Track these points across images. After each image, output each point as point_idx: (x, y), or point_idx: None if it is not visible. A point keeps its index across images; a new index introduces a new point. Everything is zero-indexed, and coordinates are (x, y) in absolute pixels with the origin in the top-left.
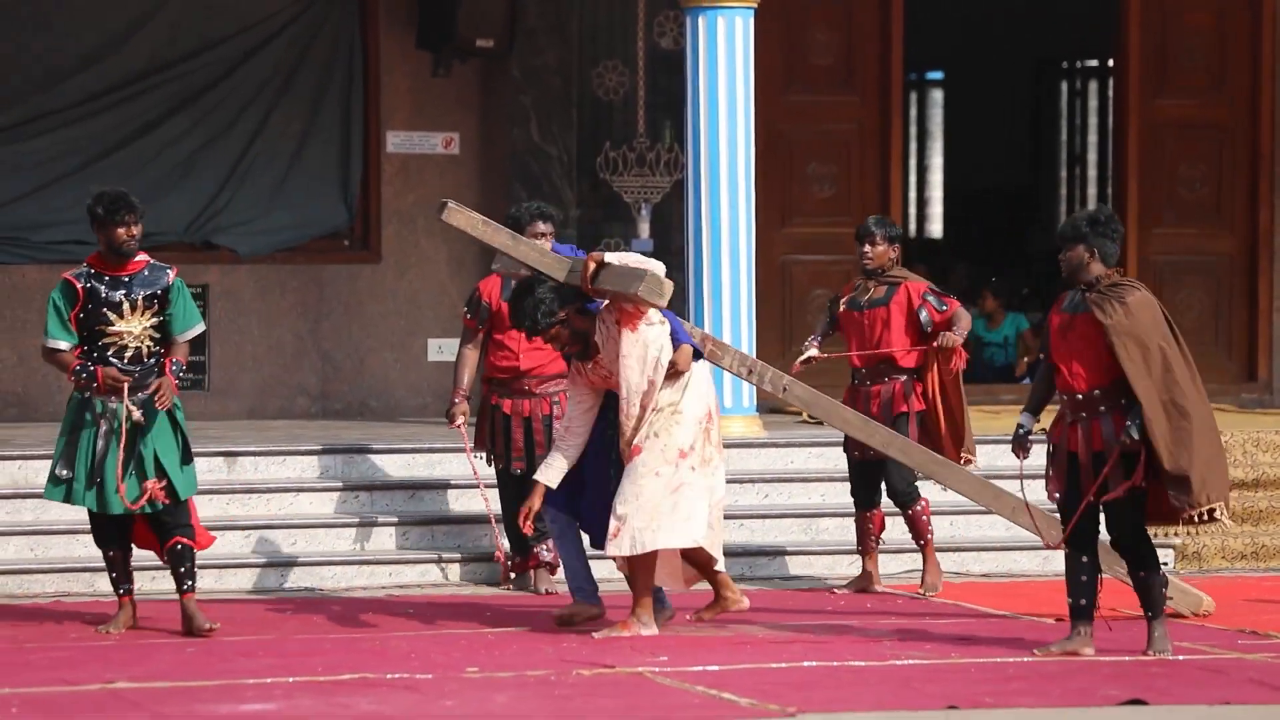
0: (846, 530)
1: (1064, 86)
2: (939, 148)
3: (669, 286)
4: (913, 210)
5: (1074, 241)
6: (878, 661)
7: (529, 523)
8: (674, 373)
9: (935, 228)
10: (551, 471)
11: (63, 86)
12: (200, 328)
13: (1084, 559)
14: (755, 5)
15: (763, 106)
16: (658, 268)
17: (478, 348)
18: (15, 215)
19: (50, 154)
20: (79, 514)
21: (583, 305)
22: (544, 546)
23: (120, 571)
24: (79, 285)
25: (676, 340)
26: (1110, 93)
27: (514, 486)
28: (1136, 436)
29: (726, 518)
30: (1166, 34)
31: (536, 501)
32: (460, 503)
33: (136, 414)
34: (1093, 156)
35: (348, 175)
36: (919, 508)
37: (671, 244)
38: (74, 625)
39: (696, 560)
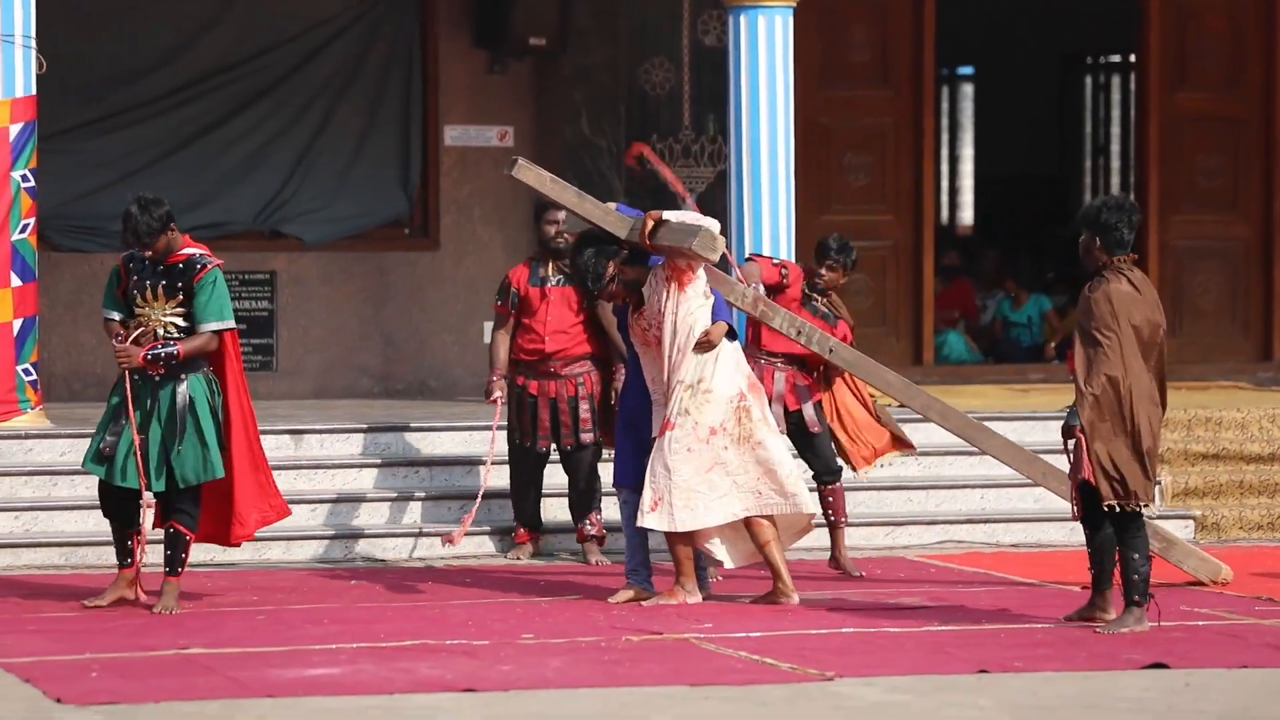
0: (882, 503)
1: (1088, 81)
2: (969, 139)
3: (721, 242)
4: (945, 199)
5: (1083, 227)
6: (912, 628)
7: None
8: (704, 343)
9: (966, 215)
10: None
11: (139, 84)
12: (223, 325)
13: (1092, 533)
14: (795, 4)
15: (802, 100)
16: (712, 225)
17: (509, 332)
18: (95, 206)
19: (128, 148)
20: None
21: (633, 257)
22: (589, 521)
23: (120, 545)
24: (123, 264)
25: (716, 315)
26: (1132, 87)
27: (532, 462)
28: (1073, 424)
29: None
30: (1185, 31)
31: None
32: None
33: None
34: (1116, 147)
35: (408, 167)
36: (836, 486)
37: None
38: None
39: (758, 539)
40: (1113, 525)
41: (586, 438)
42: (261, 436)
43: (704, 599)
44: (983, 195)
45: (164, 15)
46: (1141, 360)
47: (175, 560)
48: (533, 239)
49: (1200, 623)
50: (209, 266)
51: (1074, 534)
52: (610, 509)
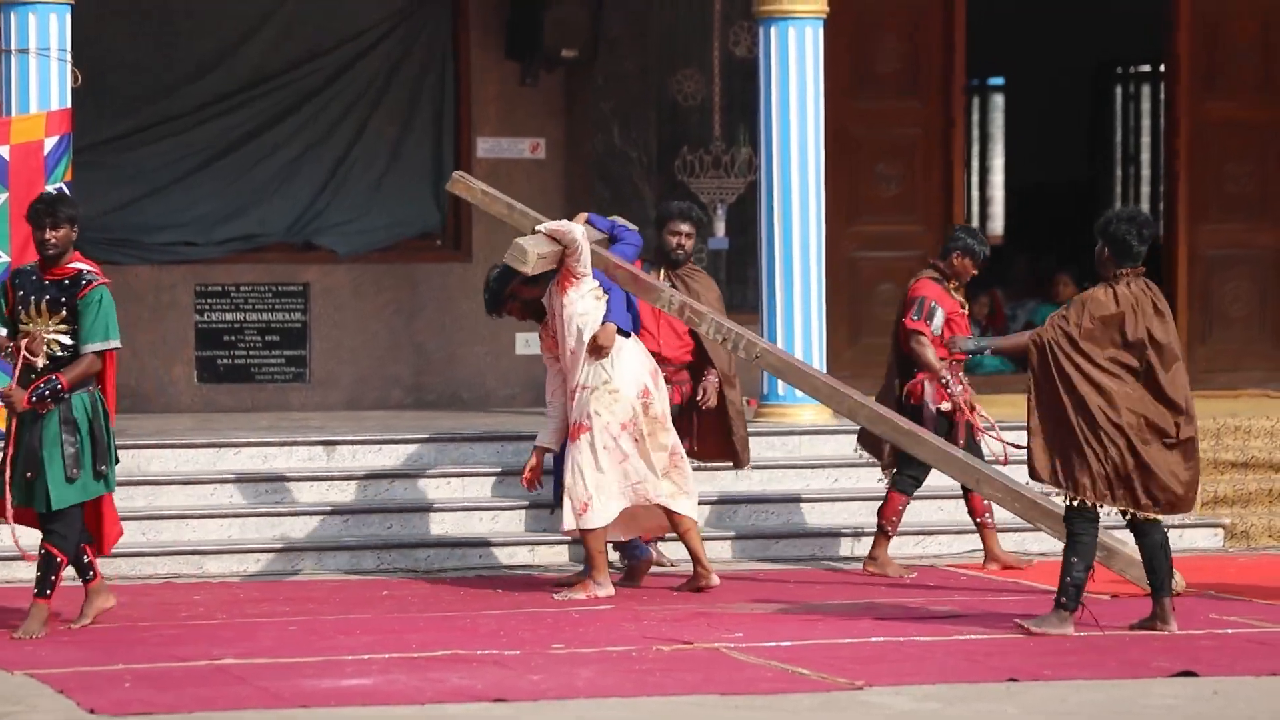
0: (911, 513)
1: (1118, 90)
2: (999, 149)
3: (531, 255)
4: (974, 209)
5: (1098, 236)
6: (941, 636)
7: (532, 484)
8: (595, 348)
9: (996, 225)
10: (543, 433)
11: (174, 97)
12: (106, 345)
13: (1139, 539)
14: (825, 15)
15: (832, 110)
16: (527, 240)
17: None
18: (130, 217)
19: (163, 160)
20: (189, 500)
21: (533, 277)
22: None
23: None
24: (9, 281)
25: (606, 316)
26: (1162, 95)
27: None
28: (967, 348)
29: (799, 501)
30: (1214, 40)
31: (534, 460)
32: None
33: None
34: (1146, 156)
35: (440, 178)
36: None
37: (747, 242)
38: (184, 605)
39: (679, 527)
40: (1067, 522)
41: None
42: (294, 447)
43: (640, 580)
44: (1012, 205)
45: (199, 29)
46: (1108, 367)
47: (45, 582)
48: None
49: (1229, 631)
50: (94, 284)
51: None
52: None
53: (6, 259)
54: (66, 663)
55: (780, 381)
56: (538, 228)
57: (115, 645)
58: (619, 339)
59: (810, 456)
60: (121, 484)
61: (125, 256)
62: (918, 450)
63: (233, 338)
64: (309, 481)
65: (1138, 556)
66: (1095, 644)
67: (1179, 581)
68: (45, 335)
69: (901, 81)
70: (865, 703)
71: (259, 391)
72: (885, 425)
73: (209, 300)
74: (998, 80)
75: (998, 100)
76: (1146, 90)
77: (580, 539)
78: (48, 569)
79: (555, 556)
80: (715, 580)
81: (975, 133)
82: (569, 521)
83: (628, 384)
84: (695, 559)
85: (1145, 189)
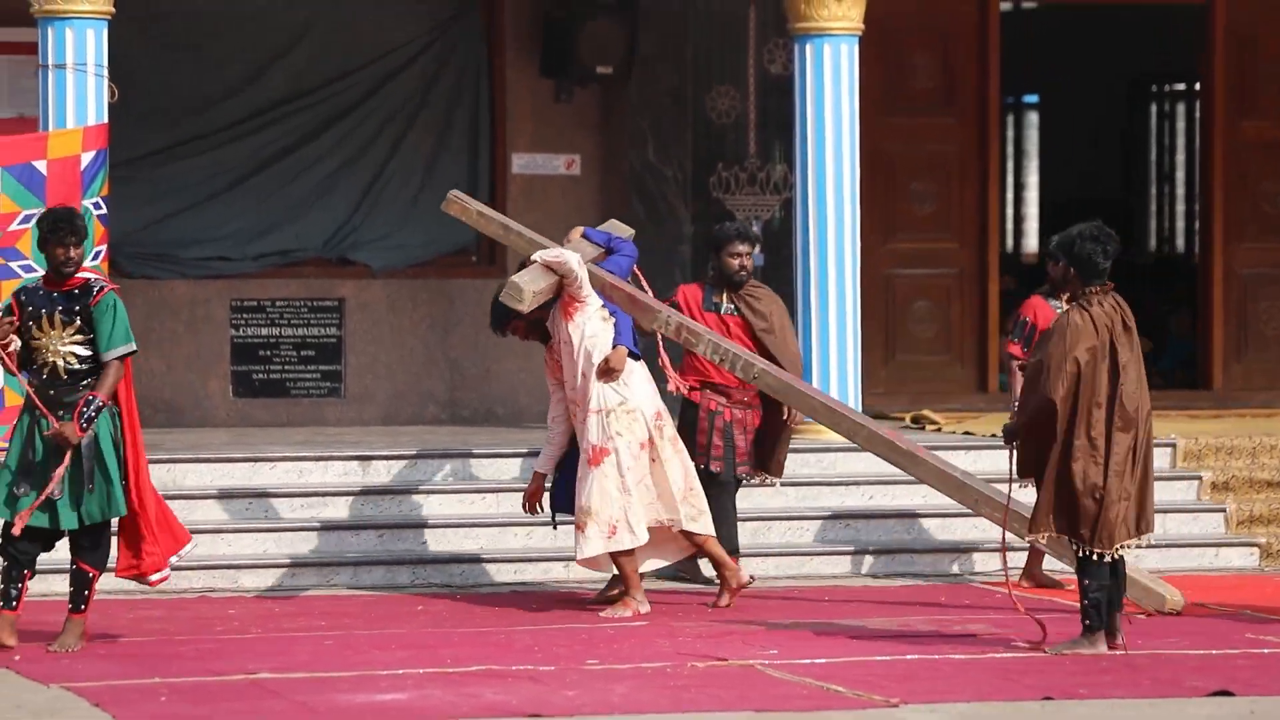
0: (946, 529)
1: (1153, 109)
2: (1034, 167)
3: (527, 294)
4: (1009, 226)
5: (1060, 255)
6: (976, 654)
7: (534, 506)
8: (605, 370)
9: (1031, 242)
10: (543, 459)
11: (211, 112)
12: (127, 349)
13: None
14: (860, 32)
15: (867, 128)
16: (520, 277)
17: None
18: (166, 232)
19: (198, 175)
20: (224, 514)
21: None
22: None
23: (11, 586)
24: (15, 297)
25: (617, 339)
26: (1197, 114)
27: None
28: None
29: (835, 518)
30: (1250, 59)
31: (534, 485)
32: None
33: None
34: (1181, 175)
35: (475, 194)
36: None
37: (781, 259)
38: (219, 619)
39: (703, 546)
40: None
41: (743, 470)
42: (329, 462)
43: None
44: (1047, 222)
45: (237, 44)
46: (1093, 395)
47: (79, 598)
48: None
49: (1265, 650)
50: (105, 290)
51: (1138, 560)
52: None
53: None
54: (102, 676)
55: None
56: (534, 256)
57: (151, 659)
58: (629, 361)
59: (846, 473)
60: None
61: (161, 271)
62: (914, 470)
63: (268, 352)
64: (344, 496)
65: (1137, 577)
66: (1131, 662)
67: (1179, 600)
68: (61, 350)
69: (937, 98)
70: None
71: (294, 406)
72: (882, 445)
73: (245, 315)
74: (1032, 98)
75: (1032, 117)
76: (1182, 108)
77: (594, 566)
78: (81, 584)
79: (588, 572)
80: (746, 576)
81: (1010, 149)
82: (593, 548)
83: (644, 404)
84: (721, 564)
85: (1180, 207)
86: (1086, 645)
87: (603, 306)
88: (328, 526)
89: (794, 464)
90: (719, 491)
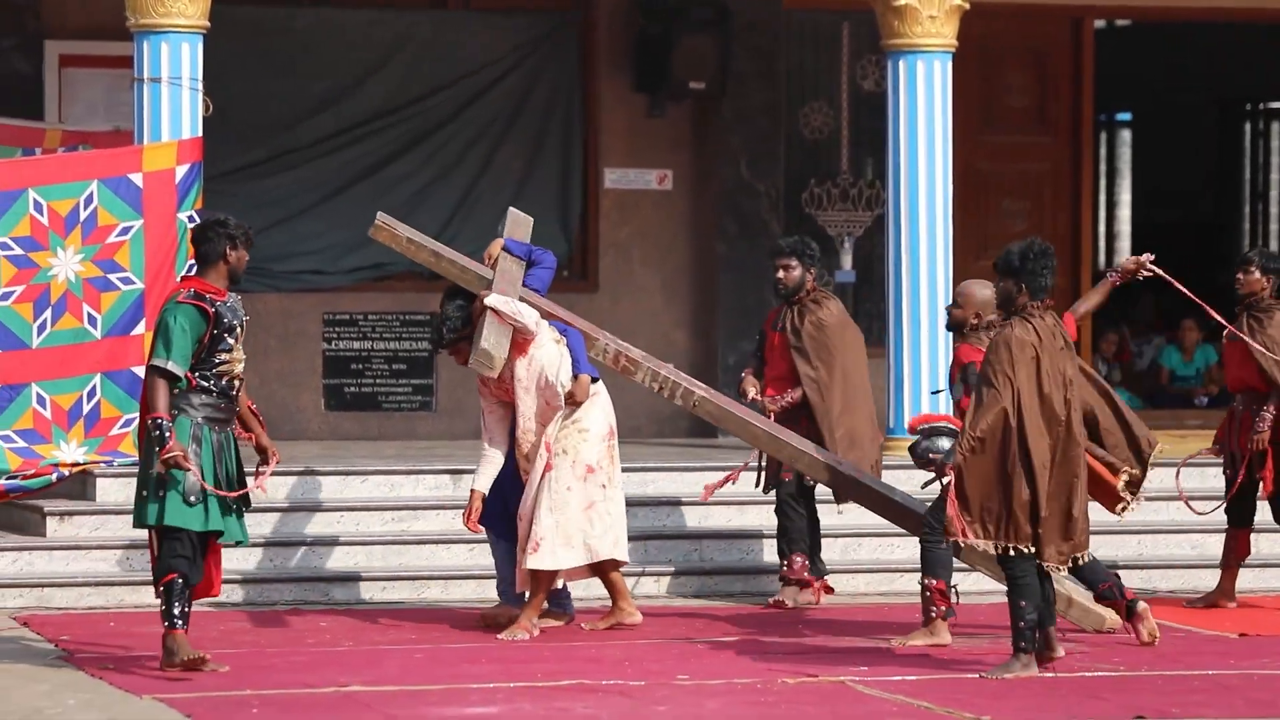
0: None
1: (1246, 127)
2: (1127, 184)
3: (499, 360)
4: (1101, 244)
5: (1003, 275)
6: (1067, 673)
7: (473, 523)
8: (572, 402)
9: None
10: (483, 478)
11: (304, 126)
12: None
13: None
14: (953, 49)
15: (960, 145)
16: (489, 344)
17: (757, 371)
18: (259, 246)
19: (292, 189)
20: (315, 527)
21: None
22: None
23: (186, 602)
24: (208, 308)
25: (576, 367)
26: None
27: (799, 496)
28: (946, 461)
29: (898, 535)
30: None
31: (475, 504)
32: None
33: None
34: (1275, 194)
35: (567, 209)
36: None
37: (873, 275)
38: (310, 632)
39: (600, 569)
40: (1002, 568)
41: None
42: (421, 476)
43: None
44: (1140, 241)
45: (331, 59)
46: (1039, 409)
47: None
48: (695, 283)
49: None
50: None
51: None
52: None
53: (140, 286)
54: (194, 688)
55: (905, 414)
56: (491, 304)
57: (242, 671)
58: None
59: (938, 490)
60: (249, 511)
61: (254, 284)
62: (853, 495)
63: (360, 366)
64: (435, 510)
65: (1091, 604)
66: (1223, 683)
67: (1112, 621)
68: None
69: (1030, 116)
70: None
71: (386, 420)
72: (826, 472)
73: (337, 329)
74: (1125, 115)
75: (1125, 135)
76: (1277, 127)
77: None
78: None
79: (680, 586)
80: (639, 618)
81: (1103, 167)
82: (526, 561)
83: (598, 422)
84: (620, 595)
85: (1274, 226)
86: (1019, 667)
87: (551, 327)
88: (418, 540)
89: (886, 479)
90: (808, 501)
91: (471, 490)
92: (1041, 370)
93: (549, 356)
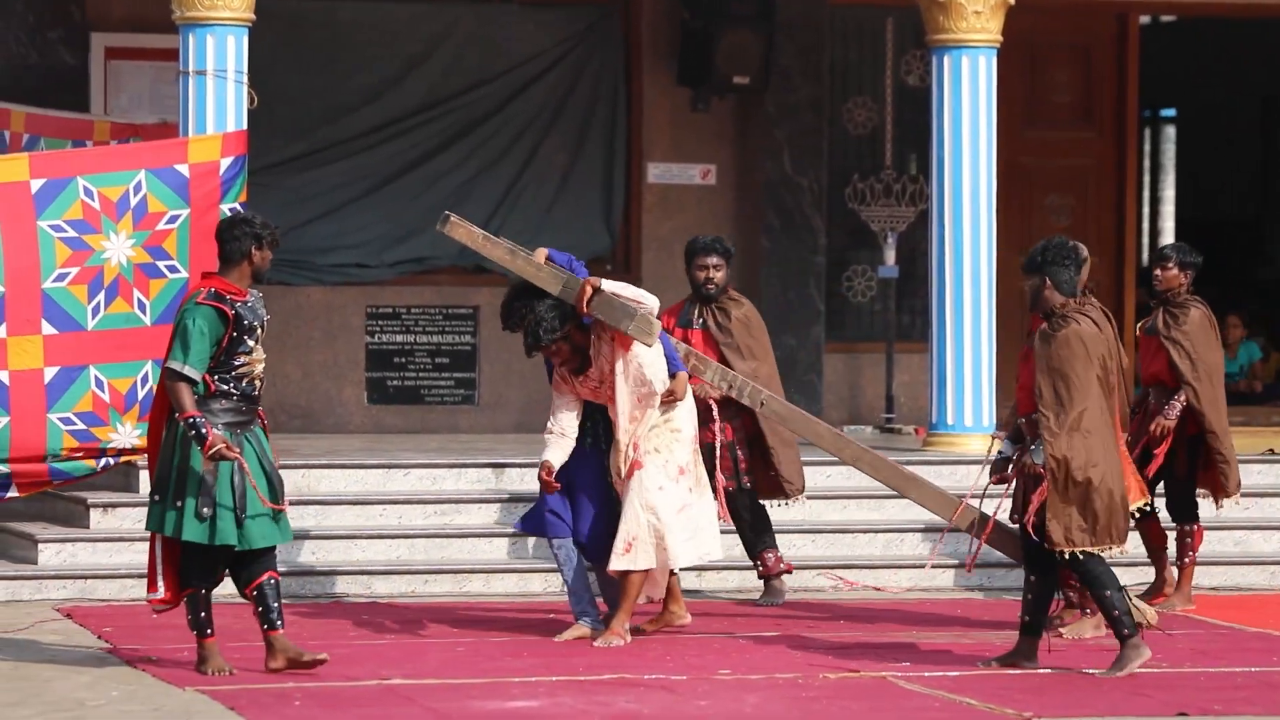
0: None
1: None
2: (1171, 180)
3: (658, 327)
4: (1145, 240)
5: (1030, 273)
6: (1109, 669)
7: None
8: (669, 400)
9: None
10: (553, 452)
11: (348, 120)
12: None
13: (1031, 578)
14: (998, 44)
15: (1004, 140)
16: (652, 305)
17: None
18: (302, 239)
19: (335, 183)
20: (357, 520)
21: (580, 320)
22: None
23: (208, 609)
24: (227, 309)
25: (671, 366)
26: None
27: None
28: (1035, 461)
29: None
30: None
31: (544, 474)
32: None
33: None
34: None
35: (610, 203)
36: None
37: (916, 271)
38: (352, 625)
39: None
40: (1072, 569)
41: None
42: (463, 469)
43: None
44: (1184, 237)
45: (375, 53)
46: (1105, 402)
47: (279, 613)
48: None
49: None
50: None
51: (1274, 578)
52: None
53: (185, 275)
54: (236, 680)
55: (949, 410)
56: (610, 289)
57: None
58: None
59: (980, 487)
60: (292, 504)
61: (297, 277)
62: (917, 495)
63: (403, 359)
64: (477, 504)
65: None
66: (1268, 680)
67: (1152, 616)
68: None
69: (1075, 112)
70: None
71: (429, 413)
72: (886, 472)
73: (380, 322)
74: (1170, 111)
75: (1169, 131)
76: None
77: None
78: (277, 599)
79: (721, 582)
80: (688, 619)
81: (1146, 163)
82: (613, 563)
83: (687, 424)
84: (674, 598)
85: None
86: (1136, 657)
87: None
88: (460, 534)
89: (926, 476)
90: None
91: (542, 462)
92: (1106, 362)
93: (650, 356)
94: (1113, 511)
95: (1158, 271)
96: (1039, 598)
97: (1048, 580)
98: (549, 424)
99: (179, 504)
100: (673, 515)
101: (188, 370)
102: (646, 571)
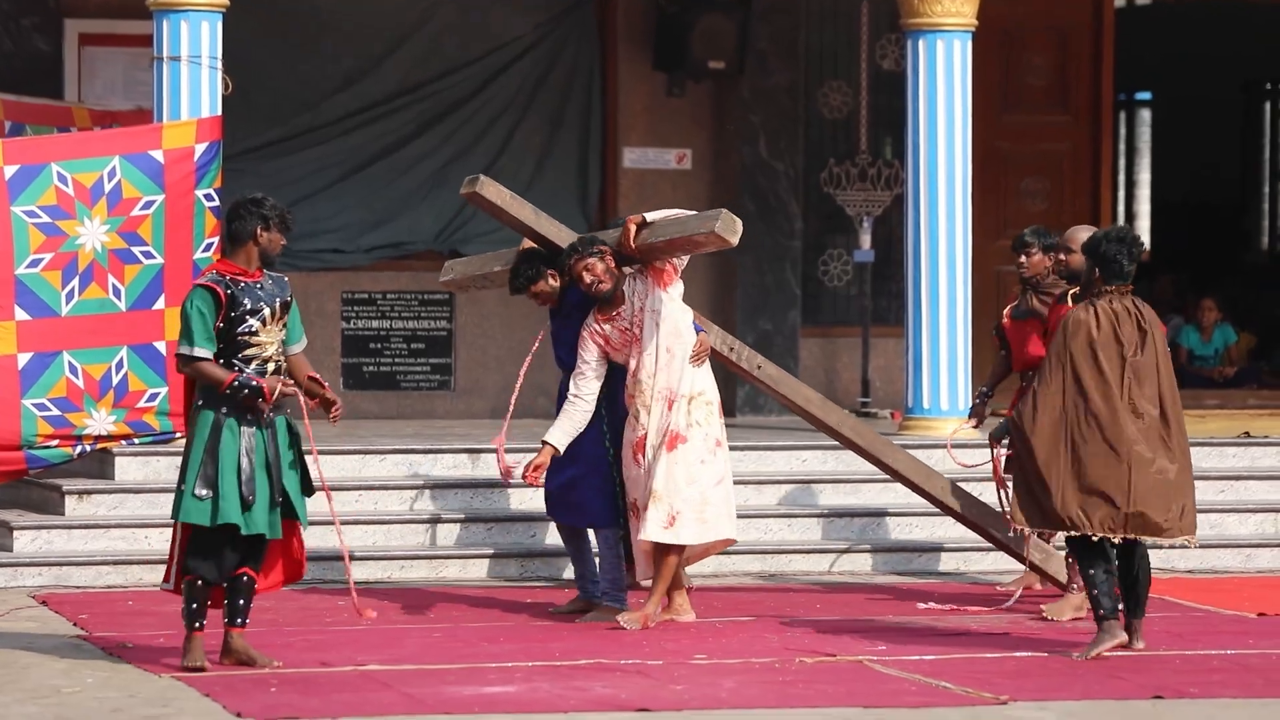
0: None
1: (1267, 107)
2: (1147, 164)
3: (740, 225)
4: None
5: (1087, 257)
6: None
7: (536, 475)
8: (699, 354)
9: (1142, 241)
10: (559, 433)
11: (323, 105)
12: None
13: (1090, 571)
14: (973, 29)
15: (979, 125)
16: (689, 217)
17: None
18: None
19: (311, 168)
20: (334, 506)
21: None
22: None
23: (203, 603)
24: (220, 290)
25: (698, 329)
26: None
27: None
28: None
29: (917, 515)
30: None
31: (544, 459)
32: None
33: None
34: None
35: (586, 188)
36: None
37: (892, 255)
38: (328, 611)
39: (673, 550)
40: (1065, 542)
41: None
42: (439, 455)
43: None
44: (1159, 221)
45: (350, 38)
46: (1100, 391)
47: (243, 612)
48: (714, 265)
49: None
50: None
51: (1250, 560)
52: None
53: (160, 261)
54: (211, 666)
55: (924, 394)
56: (654, 216)
57: (260, 649)
58: None
59: (954, 470)
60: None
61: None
62: (893, 461)
63: (379, 345)
64: (453, 489)
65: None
66: (1243, 662)
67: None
68: (277, 343)
69: (1050, 96)
70: (1010, 718)
71: (404, 399)
72: (868, 437)
73: (355, 307)
74: (1145, 95)
75: (1145, 114)
76: None
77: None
78: (246, 595)
79: (700, 566)
80: (691, 615)
81: (1122, 147)
82: (651, 533)
83: (716, 397)
84: (679, 588)
85: None
86: (1107, 639)
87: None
88: (436, 519)
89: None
90: None
91: (543, 442)
92: (1094, 347)
93: (682, 310)
94: (1065, 498)
95: (1022, 259)
96: (1101, 583)
97: (1102, 563)
98: (571, 387)
99: (181, 488)
100: (712, 488)
101: (197, 350)
102: (683, 550)
